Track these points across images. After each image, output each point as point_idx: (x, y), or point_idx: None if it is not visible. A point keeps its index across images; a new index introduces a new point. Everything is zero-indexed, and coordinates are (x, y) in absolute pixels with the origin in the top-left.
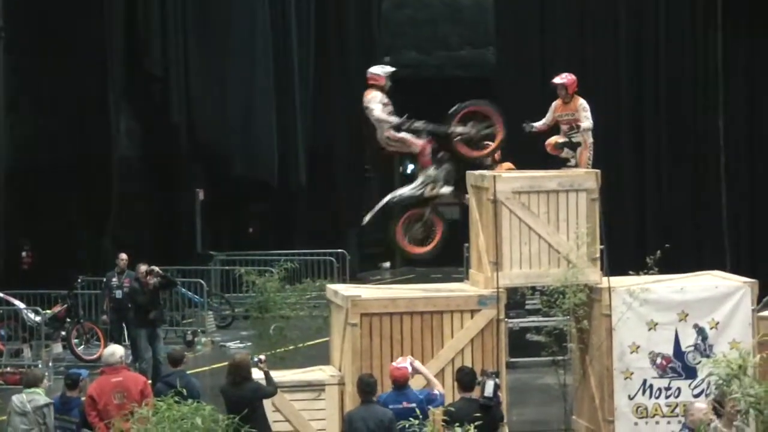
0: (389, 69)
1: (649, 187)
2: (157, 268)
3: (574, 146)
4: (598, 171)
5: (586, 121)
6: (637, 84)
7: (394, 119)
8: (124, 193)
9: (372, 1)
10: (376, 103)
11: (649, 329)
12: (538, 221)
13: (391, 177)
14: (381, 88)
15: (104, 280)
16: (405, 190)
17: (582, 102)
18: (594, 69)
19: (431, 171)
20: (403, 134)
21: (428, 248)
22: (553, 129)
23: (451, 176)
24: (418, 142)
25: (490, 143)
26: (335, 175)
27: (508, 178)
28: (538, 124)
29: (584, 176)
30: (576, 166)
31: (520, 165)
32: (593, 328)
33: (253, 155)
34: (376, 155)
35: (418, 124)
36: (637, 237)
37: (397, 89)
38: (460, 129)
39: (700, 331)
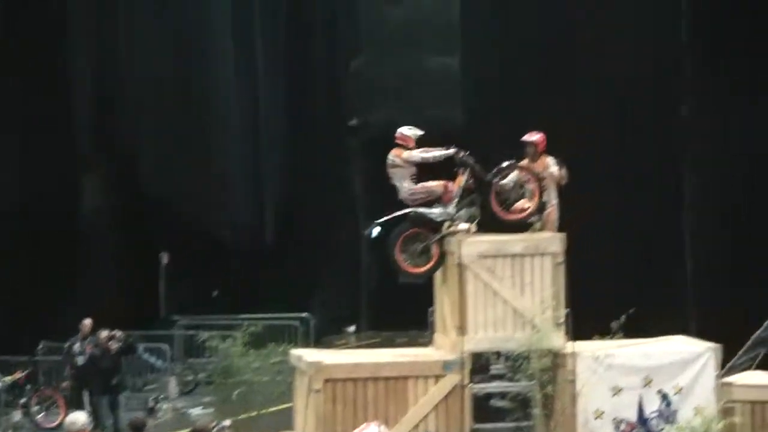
0: (418, 132)
1: (615, 248)
2: (119, 333)
3: (539, 209)
4: (563, 234)
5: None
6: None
7: (446, 151)
8: (88, 256)
9: (339, 62)
10: (414, 153)
11: (614, 395)
12: (503, 285)
13: (358, 238)
14: (408, 150)
15: (66, 345)
16: (425, 210)
17: (550, 160)
18: (566, 131)
19: (451, 209)
20: (422, 183)
21: (422, 270)
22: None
23: (472, 218)
24: (440, 183)
25: (524, 208)
26: (301, 238)
27: (474, 242)
28: (504, 182)
29: (549, 240)
30: (541, 228)
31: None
32: (557, 394)
33: (218, 218)
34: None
35: (469, 159)
36: (602, 300)
37: (366, 150)
38: (500, 185)
39: (664, 397)
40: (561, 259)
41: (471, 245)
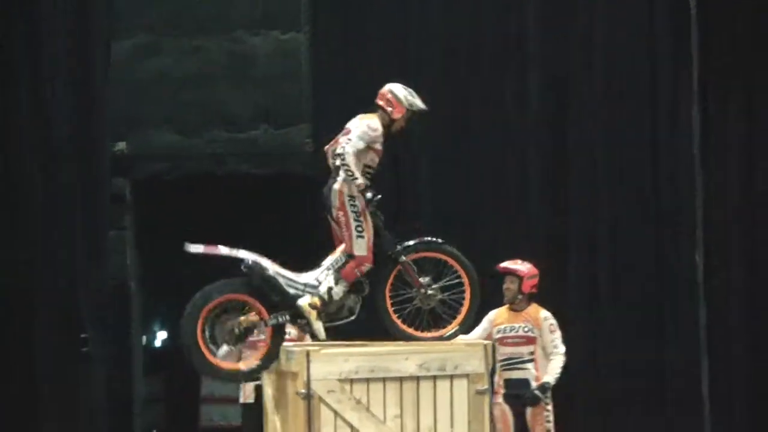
0: (418, 101)
1: None
2: None
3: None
4: (488, 343)
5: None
6: None
7: (359, 179)
8: None
9: (92, 52)
10: (362, 136)
11: None
12: (384, 430)
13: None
14: (390, 121)
15: None
16: (276, 269)
17: (547, 315)
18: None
19: (340, 288)
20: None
21: (236, 368)
22: None
23: (345, 312)
24: (371, 249)
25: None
26: None
27: (331, 356)
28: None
29: (464, 353)
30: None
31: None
32: None
33: None
34: None
35: (376, 213)
36: None
37: (141, 194)
38: (411, 269)
39: None
40: (485, 383)
41: (326, 362)
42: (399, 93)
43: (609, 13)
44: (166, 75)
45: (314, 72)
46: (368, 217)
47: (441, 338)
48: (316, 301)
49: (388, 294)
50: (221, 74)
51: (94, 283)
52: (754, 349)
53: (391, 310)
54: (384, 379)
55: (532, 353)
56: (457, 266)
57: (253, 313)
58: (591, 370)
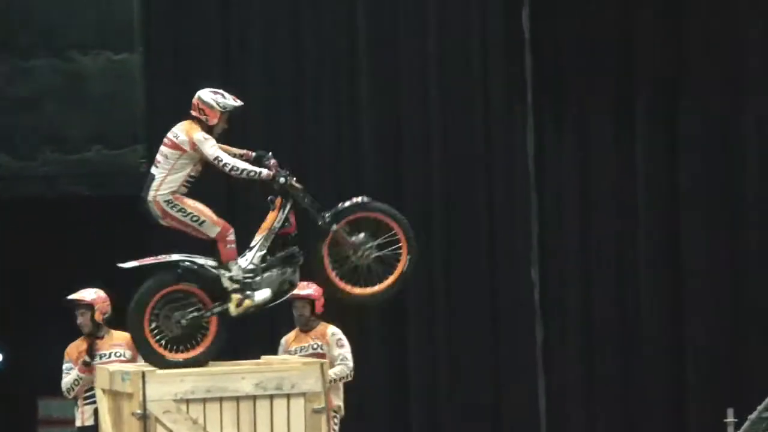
0: (229, 100)
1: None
2: None
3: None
4: (324, 362)
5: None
6: None
7: (259, 170)
8: None
9: None
10: (210, 145)
11: None
12: None
13: None
14: (209, 128)
15: None
16: (206, 263)
17: (334, 330)
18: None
19: (234, 268)
20: (189, 201)
21: (184, 357)
22: None
23: (283, 289)
24: (213, 217)
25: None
26: None
27: (167, 376)
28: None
29: (301, 372)
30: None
31: None
32: None
33: None
34: None
35: (294, 185)
36: None
37: None
38: (343, 237)
39: None
40: (322, 402)
41: (162, 383)
42: (207, 98)
43: (442, 33)
44: None
45: (148, 92)
46: (187, 200)
47: (377, 294)
48: (237, 297)
49: (327, 262)
50: (53, 95)
51: None
52: (589, 366)
53: (333, 275)
54: (220, 399)
55: None
56: (389, 221)
57: (196, 301)
58: (428, 389)
